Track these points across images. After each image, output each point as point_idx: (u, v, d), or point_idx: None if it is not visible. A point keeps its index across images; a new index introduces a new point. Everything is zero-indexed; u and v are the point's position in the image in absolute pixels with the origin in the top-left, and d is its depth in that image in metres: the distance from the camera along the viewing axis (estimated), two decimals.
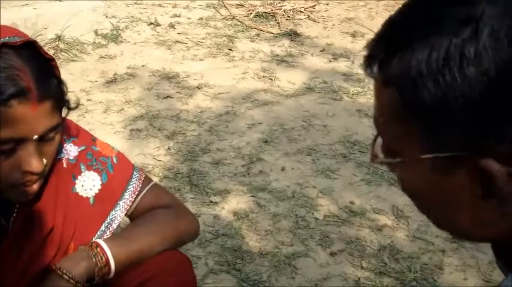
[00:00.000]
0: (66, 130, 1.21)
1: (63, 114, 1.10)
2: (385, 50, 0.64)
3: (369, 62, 0.67)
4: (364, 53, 0.68)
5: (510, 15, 0.58)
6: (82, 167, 1.22)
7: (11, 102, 0.95)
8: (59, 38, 3.86)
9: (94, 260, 1.11)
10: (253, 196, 2.45)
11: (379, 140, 0.71)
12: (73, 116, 3.11)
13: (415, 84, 0.60)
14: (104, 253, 1.12)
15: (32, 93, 0.96)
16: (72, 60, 3.78)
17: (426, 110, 0.61)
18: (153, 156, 2.74)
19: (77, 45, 3.92)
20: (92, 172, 1.23)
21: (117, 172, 1.26)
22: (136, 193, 1.27)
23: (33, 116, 0.98)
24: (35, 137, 1.00)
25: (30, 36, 1.05)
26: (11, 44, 0.98)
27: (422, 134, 0.62)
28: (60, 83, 1.06)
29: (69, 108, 1.11)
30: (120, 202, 1.25)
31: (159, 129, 2.98)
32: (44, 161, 1.05)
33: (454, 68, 0.58)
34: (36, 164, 1.03)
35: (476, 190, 0.61)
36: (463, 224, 0.66)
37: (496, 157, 0.58)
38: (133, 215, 1.27)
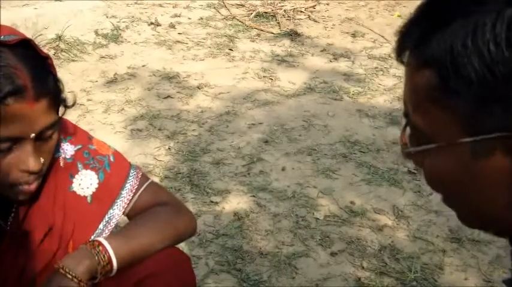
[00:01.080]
0: (62, 129, 1.21)
1: (61, 113, 1.10)
2: (422, 30, 0.63)
3: (401, 45, 0.66)
4: (396, 37, 0.67)
5: None
6: (79, 165, 1.22)
7: (8, 101, 0.95)
8: (59, 38, 3.87)
9: (96, 258, 1.11)
10: (253, 196, 2.45)
11: (408, 130, 0.70)
12: (73, 116, 3.11)
13: (458, 61, 0.59)
14: (106, 251, 1.12)
15: (29, 91, 0.96)
16: (73, 60, 3.78)
17: (470, 88, 0.59)
18: (153, 156, 2.74)
19: (77, 45, 3.92)
20: (89, 171, 1.23)
21: (114, 170, 1.26)
22: (134, 191, 1.27)
23: (30, 114, 0.98)
24: (32, 135, 1.01)
25: (31, 36, 1.06)
26: (7, 42, 0.98)
27: (464, 115, 0.61)
28: (56, 81, 1.06)
29: (66, 107, 1.11)
30: (118, 200, 1.25)
31: (159, 129, 2.99)
32: (42, 160, 1.05)
33: (501, 42, 0.57)
34: (33, 163, 1.03)
35: None
36: (500, 208, 0.64)
37: None
38: (131, 213, 1.27)
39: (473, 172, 0.63)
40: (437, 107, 0.63)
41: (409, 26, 0.66)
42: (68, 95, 1.12)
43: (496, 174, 0.62)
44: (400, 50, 0.67)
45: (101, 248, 1.12)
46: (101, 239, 1.15)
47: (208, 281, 1.98)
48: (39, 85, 0.98)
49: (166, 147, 2.82)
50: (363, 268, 2.06)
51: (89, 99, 3.29)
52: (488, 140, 0.60)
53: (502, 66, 0.57)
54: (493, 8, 0.58)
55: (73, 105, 1.13)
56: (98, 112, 3.15)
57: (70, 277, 1.07)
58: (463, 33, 0.59)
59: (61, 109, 1.10)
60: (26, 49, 1.00)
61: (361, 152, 2.82)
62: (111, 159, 1.26)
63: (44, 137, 1.04)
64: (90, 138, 1.27)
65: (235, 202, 2.41)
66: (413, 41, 0.64)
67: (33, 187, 1.08)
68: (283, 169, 2.66)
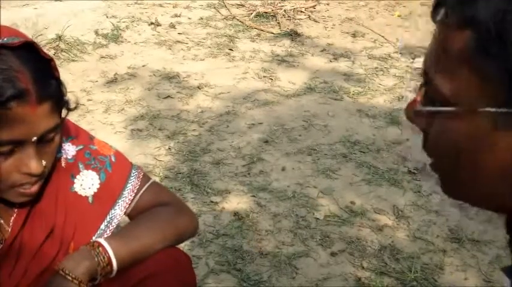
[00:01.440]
0: (64, 130, 1.21)
1: (63, 115, 1.10)
2: None
3: (442, 2, 0.63)
4: None
5: None
6: (80, 166, 1.22)
7: (10, 104, 0.94)
8: (59, 38, 3.87)
9: (96, 259, 1.11)
10: (253, 196, 2.45)
11: (423, 89, 0.67)
12: (74, 116, 3.11)
13: (502, 25, 0.57)
14: (106, 252, 1.12)
15: (31, 95, 0.96)
16: (73, 60, 3.78)
17: (509, 56, 0.57)
18: (153, 156, 2.74)
19: (77, 45, 3.92)
20: (90, 171, 1.22)
21: (115, 170, 1.26)
22: (135, 191, 1.27)
23: (32, 118, 0.98)
24: (34, 138, 1.00)
25: (31, 36, 1.05)
26: (10, 45, 0.97)
27: (495, 83, 0.59)
28: (59, 83, 1.05)
29: (69, 109, 1.11)
30: (119, 201, 1.24)
31: (159, 129, 2.99)
32: (44, 162, 1.05)
33: None
34: (35, 166, 1.03)
35: None
36: (504, 182, 0.62)
37: None
38: (133, 214, 1.27)
39: (487, 143, 0.62)
40: (468, 70, 0.61)
41: None
42: (69, 97, 1.11)
43: (509, 148, 0.60)
44: (437, 7, 0.64)
45: (100, 249, 1.12)
46: (100, 240, 1.14)
47: (209, 281, 1.98)
48: (41, 89, 0.98)
49: (167, 147, 2.82)
50: (363, 268, 2.07)
51: (89, 99, 3.29)
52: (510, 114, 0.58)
53: None
54: None
55: (75, 108, 1.13)
56: (98, 112, 3.15)
57: (70, 278, 1.07)
58: None
59: (63, 111, 1.10)
60: (28, 52, 1.00)
61: (361, 152, 2.83)
62: (113, 159, 1.26)
63: (46, 140, 1.04)
64: (91, 138, 1.27)
65: (236, 202, 2.41)
66: (453, 0, 0.62)
67: (34, 189, 1.08)
68: (283, 169, 2.66)
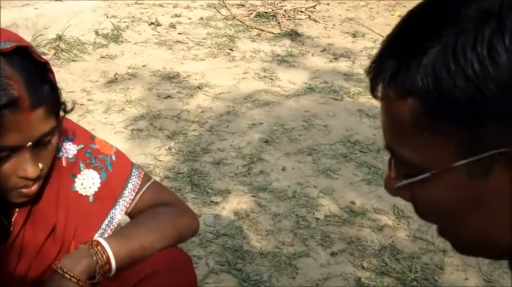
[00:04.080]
0: (64, 129, 1.21)
1: (61, 117, 1.10)
2: (398, 61, 0.62)
3: (376, 80, 0.64)
4: (368, 75, 0.66)
5: None
6: (81, 165, 1.22)
7: (3, 112, 0.93)
8: (59, 38, 3.87)
9: (95, 258, 1.11)
10: (254, 196, 2.45)
11: (394, 164, 0.68)
12: (74, 116, 3.11)
13: (443, 86, 0.58)
14: (105, 251, 1.12)
15: (24, 101, 0.95)
16: (73, 60, 3.78)
17: (459, 111, 0.58)
18: (153, 156, 2.74)
19: (77, 45, 3.92)
20: (91, 170, 1.22)
21: (116, 169, 1.26)
22: (136, 190, 1.26)
23: (26, 124, 0.97)
24: (29, 144, 1.00)
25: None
26: (1, 51, 0.96)
27: (456, 139, 0.59)
28: (53, 87, 1.04)
29: (65, 111, 1.11)
30: (120, 200, 1.24)
31: (160, 129, 2.99)
32: (40, 165, 1.05)
33: (485, 60, 0.56)
34: (31, 170, 1.03)
35: None
36: (503, 227, 0.62)
37: None
38: (133, 213, 1.27)
39: (473, 194, 0.62)
40: (425, 135, 0.61)
41: (381, 59, 0.64)
42: (67, 98, 1.11)
43: (497, 192, 0.60)
44: (374, 85, 0.65)
45: (99, 247, 1.12)
46: (99, 239, 1.14)
47: (209, 281, 1.98)
48: (34, 95, 0.97)
49: (167, 147, 2.82)
50: (363, 268, 2.06)
51: (89, 99, 3.29)
52: (486, 159, 0.59)
53: (490, 84, 0.56)
54: (468, 29, 0.57)
55: (72, 109, 1.13)
56: (99, 112, 3.15)
57: (68, 276, 1.07)
58: (443, 57, 0.58)
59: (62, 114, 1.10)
60: (21, 56, 0.98)
61: (361, 152, 2.83)
62: (113, 158, 1.26)
63: (42, 143, 1.04)
64: (92, 138, 1.27)
65: (236, 202, 2.41)
66: (389, 73, 0.63)
67: (33, 189, 1.08)
68: (283, 169, 2.66)
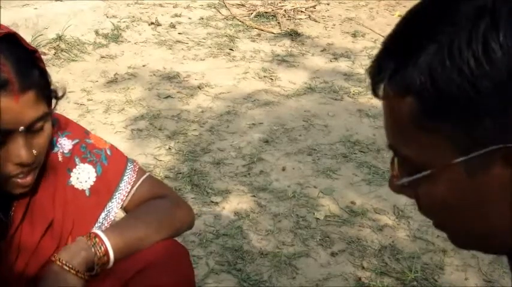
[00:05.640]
0: (59, 124, 1.23)
1: (54, 105, 1.11)
2: (396, 61, 0.63)
3: (376, 79, 0.65)
4: (369, 75, 0.67)
5: None
6: (76, 160, 1.23)
7: None
8: (59, 38, 3.87)
9: (93, 250, 1.12)
10: (254, 196, 2.45)
11: (396, 162, 0.69)
12: (74, 116, 3.11)
13: (439, 83, 0.59)
14: (103, 242, 1.13)
15: (13, 84, 0.97)
16: (73, 60, 3.78)
17: (456, 108, 0.59)
18: (154, 156, 2.74)
19: (77, 45, 3.92)
20: (86, 165, 1.23)
21: (111, 163, 1.26)
22: (132, 183, 1.27)
23: (16, 107, 0.99)
24: (21, 128, 1.01)
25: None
26: None
27: (454, 135, 0.60)
28: (43, 73, 1.06)
29: (57, 98, 1.12)
30: (116, 193, 1.25)
31: (160, 129, 2.99)
32: (34, 152, 1.06)
33: (480, 57, 0.56)
34: (25, 155, 1.04)
35: None
36: (503, 222, 0.63)
37: None
38: (129, 206, 1.28)
39: (473, 191, 0.62)
40: (424, 133, 0.62)
41: (381, 59, 0.66)
42: (58, 86, 1.12)
43: (497, 187, 0.61)
44: (375, 85, 0.66)
45: (97, 239, 1.13)
46: (97, 231, 1.15)
47: (209, 281, 1.98)
48: (23, 78, 0.99)
49: (167, 147, 2.82)
50: (363, 268, 2.06)
51: (89, 99, 3.29)
52: (484, 155, 0.59)
53: (485, 81, 0.57)
54: (464, 26, 0.58)
55: (63, 95, 1.14)
56: (99, 112, 3.15)
57: (67, 268, 1.08)
58: (440, 55, 0.59)
59: (59, 105, 1.11)
60: (9, 43, 1.01)
61: (361, 152, 2.82)
62: (108, 152, 1.27)
63: (34, 129, 1.04)
64: (87, 132, 1.28)
65: (236, 202, 2.41)
66: (388, 72, 0.64)
67: (28, 179, 1.09)
68: (283, 169, 2.66)
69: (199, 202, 2.39)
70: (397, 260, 2.10)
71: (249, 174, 2.62)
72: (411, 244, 2.19)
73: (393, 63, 0.63)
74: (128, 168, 1.29)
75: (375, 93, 0.67)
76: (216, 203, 2.39)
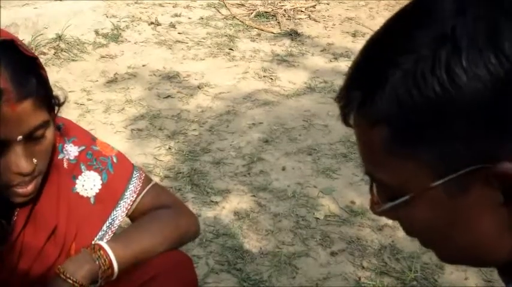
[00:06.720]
0: (65, 130, 1.21)
1: (57, 112, 1.10)
2: (363, 91, 0.63)
3: (346, 110, 0.66)
4: (338, 105, 0.67)
5: (485, 19, 0.57)
6: (82, 167, 1.22)
7: None
8: (59, 37, 3.86)
9: (97, 263, 1.11)
10: (253, 196, 2.45)
11: (375, 188, 0.69)
12: (74, 116, 3.11)
13: (407, 111, 0.59)
14: (107, 255, 1.12)
15: (10, 94, 0.95)
16: (73, 60, 3.78)
17: (425, 133, 0.59)
18: (153, 156, 2.74)
19: (77, 44, 3.92)
20: (92, 172, 1.22)
21: (117, 171, 1.25)
22: (137, 192, 1.26)
23: (13, 117, 0.97)
24: (20, 137, 0.99)
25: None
26: None
27: (428, 160, 0.60)
28: (42, 80, 1.04)
29: (58, 105, 1.10)
30: (121, 202, 1.24)
31: (159, 129, 2.99)
32: (35, 160, 1.04)
33: (444, 83, 0.57)
34: (24, 165, 1.02)
35: (495, 198, 0.59)
36: (488, 240, 0.63)
37: (510, 158, 0.57)
38: (134, 215, 1.27)
39: (455, 210, 0.63)
40: (399, 159, 0.62)
41: (347, 89, 0.66)
42: (59, 93, 1.11)
43: (479, 206, 0.61)
44: (345, 115, 0.67)
45: (101, 252, 1.12)
46: (102, 243, 1.14)
47: (209, 281, 1.98)
48: (20, 87, 0.97)
49: (167, 147, 2.82)
50: (363, 267, 2.07)
51: (89, 99, 3.29)
52: (461, 177, 0.59)
53: (452, 106, 0.57)
54: (426, 53, 0.58)
55: (63, 103, 1.13)
56: (98, 112, 3.15)
57: (71, 282, 1.07)
58: (405, 83, 0.59)
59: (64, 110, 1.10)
60: (6, 50, 0.98)
61: None
62: (114, 160, 1.26)
63: (34, 138, 1.03)
64: (93, 139, 1.27)
65: (236, 202, 2.41)
66: (356, 104, 0.64)
67: (29, 188, 1.07)
68: (283, 169, 2.66)
69: (199, 201, 2.39)
70: (397, 259, 2.11)
71: (248, 174, 2.62)
72: (411, 243, 2.19)
73: (360, 93, 0.63)
74: (134, 176, 1.28)
75: (346, 123, 0.68)
76: (216, 203, 2.39)
